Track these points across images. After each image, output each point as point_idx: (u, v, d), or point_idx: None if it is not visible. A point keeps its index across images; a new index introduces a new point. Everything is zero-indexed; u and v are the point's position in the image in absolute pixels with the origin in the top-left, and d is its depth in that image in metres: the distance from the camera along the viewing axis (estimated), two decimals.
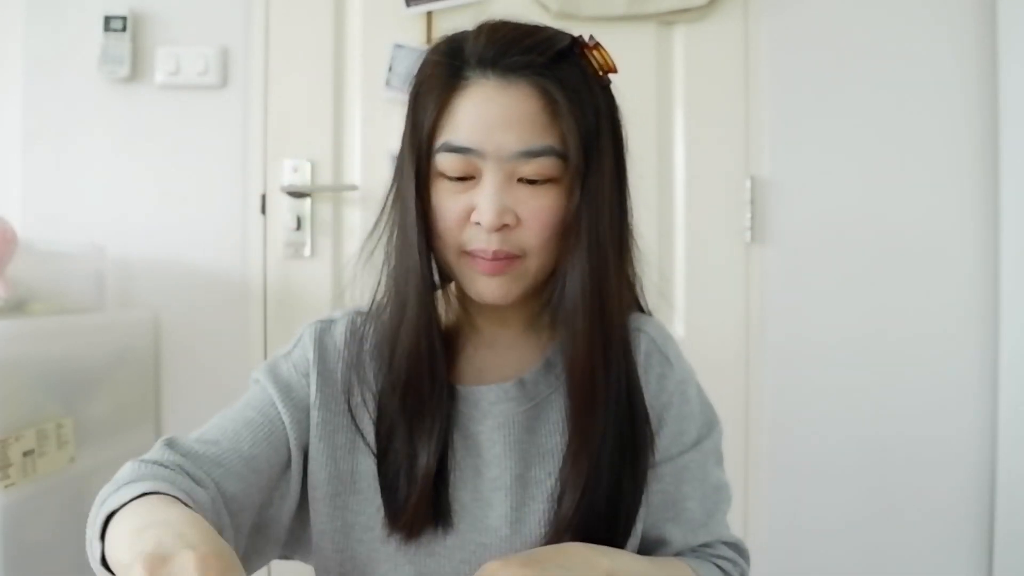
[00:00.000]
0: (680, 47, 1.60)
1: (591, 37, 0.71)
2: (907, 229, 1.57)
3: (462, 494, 0.72)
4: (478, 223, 0.67)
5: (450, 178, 0.69)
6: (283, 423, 0.71)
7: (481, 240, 0.68)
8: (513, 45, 0.68)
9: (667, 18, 1.58)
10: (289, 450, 0.72)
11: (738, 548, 0.76)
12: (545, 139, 0.67)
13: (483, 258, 0.68)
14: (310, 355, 0.75)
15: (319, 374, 0.74)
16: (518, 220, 0.68)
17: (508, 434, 0.73)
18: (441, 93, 0.69)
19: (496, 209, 0.66)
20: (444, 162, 0.68)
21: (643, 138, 1.57)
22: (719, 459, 0.77)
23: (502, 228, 0.67)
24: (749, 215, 1.57)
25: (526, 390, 0.74)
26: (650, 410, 0.73)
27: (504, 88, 0.67)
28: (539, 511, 0.72)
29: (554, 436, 0.73)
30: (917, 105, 1.57)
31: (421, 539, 0.71)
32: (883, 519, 1.54)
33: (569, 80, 0.68)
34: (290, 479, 0.72)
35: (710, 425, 0.76)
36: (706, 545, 0.73)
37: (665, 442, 0.73)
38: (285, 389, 0.73)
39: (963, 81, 1.56)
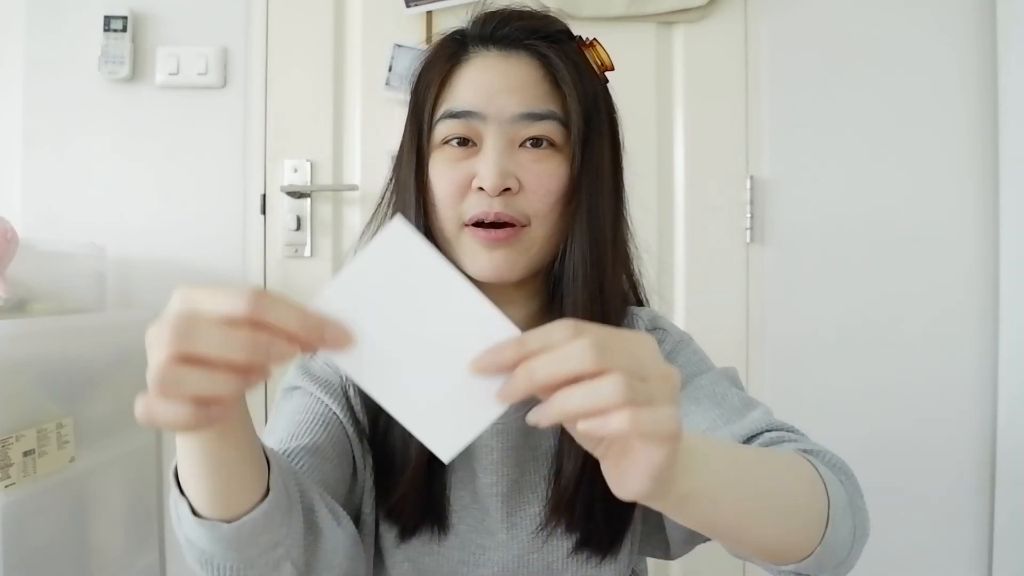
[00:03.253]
0: (680, 47, 1.60)
1: (586, 37, 0.72)
2: (907, 229, 1.57)
3: (462, 494, 0.72)
4: (480, 189, 0.66)
5: (450, 146, 0.68)
6: (335, 414, 0.69)
7: (483, 205, 0.66)
8: (512, 20, 0.69)
9: (667, 18, 1.58)
10: (349, 439, 0.69)
11: (787, 429, 0.63)
12: (547, 104, 0.67)
13: (484, 222, 0.66)
14: None
15: None
16: (520, 186, 0.66)
17: (505, 440, 0.71)
18: (443, 68, 0.69)
19: (498, 171, 0.65)
20: (444, 129, 0.67)
21: (643, 138, 1.57)
22: (740, 386, 0.71)
23: (504, 192, 0.66)
24: (749, 215, 1.57)
25: None
26: None
27: (506, 58, 0.68)
28: (533, 513, 0.71)
29: (548, 439, 0.72)
30: (917, 105, 1.57)
31: (420, 537, 0.71)
32: (882, 516, 1.54)
33: (569, 54, 0.69)
34: (357, 468, 0.69)
35: (719, 365, 0.74)
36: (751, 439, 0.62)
37: None
38: (325, 384, 0.71)
39: (963, 81, 1.56)
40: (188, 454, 0.47)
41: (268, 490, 0.51)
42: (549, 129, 0.67)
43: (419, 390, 0.43)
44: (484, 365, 0.41)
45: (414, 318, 0.43)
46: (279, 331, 0.39)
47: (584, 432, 0.39)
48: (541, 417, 0.39)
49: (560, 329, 0.39)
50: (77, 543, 1.24)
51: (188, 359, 0.37)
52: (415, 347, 0.43)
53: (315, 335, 0.40)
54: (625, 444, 0.40)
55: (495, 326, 0.42)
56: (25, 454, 1.09)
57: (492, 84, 0.67)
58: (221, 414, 0.39)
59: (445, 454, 0.43)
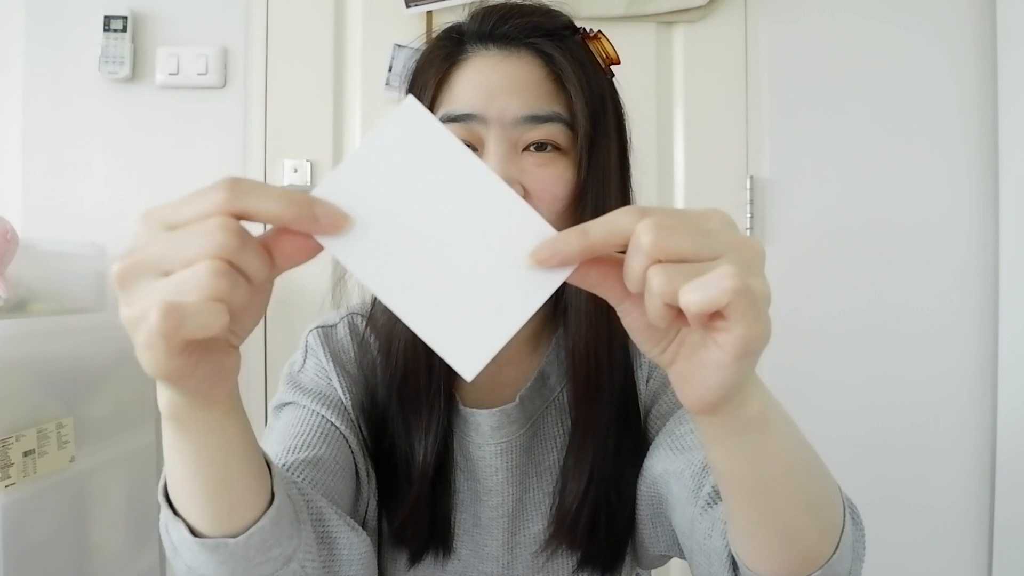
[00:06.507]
0: (680, 47, 1.60)
1: (591, 29, 0.69)
2: (907, 229, 1.57)
3: (464, 517, 0.69)
4: None
5: None
6: (334, 426, 0.65)
7: None
8: (513, 16, 0.65)
9: (667, 18, 1.58)
10: (352, 451, 0.65)
11: None
12: (552, 106, 0.63)
13: None
14: (323, 360, 0.70)
15: (338, 376, 0.69)
16: (525, 192, 0.61)
17: (509, 460, 0.69)
18: (439, 68, 0.65)
19: (502, 176, 0.60)
20: None
21: (643, 138, 1.56)
22: None
23: None
24: (749, 215, 1.57)
25: (525, 409, 0.70)
26: (656, 379, 0.70)
27: (506, 57, 0.64)
28: (536, 532, 0.69)
29: (551, 453, 0.70)
30: (916, 105, 1.57)
31: (425, 561, 0.69)
32: (881, 517, 1.54)
33: (574, 52, 0.65)
34: (361, 482, 0.66)
35: None
36: None
37: (672, 397, 0.68)
38: (319, 396, 0.67)
39: (962, 80, 1.56)
40: (184, 460, 0.42)
41: (272, 496, 0.47)
42: (554, 132, 0.62)
43: (433, 292, 0.37)
44: (545, 256, 0.36)
45: (428, 211, 0.37)
46: (262, 217, 0.35)
47: (692, 304, 0.34)
48: (651, 313, 0.36)
49: (624, 215, 0.36)
50: (77, 543, 1.24)
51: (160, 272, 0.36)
52: (429, 243, 0.37)
53: (304, 214, 0.35)
54: (707, 335, 0.35)
55: (528, 223, 0.37)
56: (25, 454, 1.09)
57: (492, 85, 0.62)
58: (213, 354, 0.38)
59: (468, 371, 0.37)
